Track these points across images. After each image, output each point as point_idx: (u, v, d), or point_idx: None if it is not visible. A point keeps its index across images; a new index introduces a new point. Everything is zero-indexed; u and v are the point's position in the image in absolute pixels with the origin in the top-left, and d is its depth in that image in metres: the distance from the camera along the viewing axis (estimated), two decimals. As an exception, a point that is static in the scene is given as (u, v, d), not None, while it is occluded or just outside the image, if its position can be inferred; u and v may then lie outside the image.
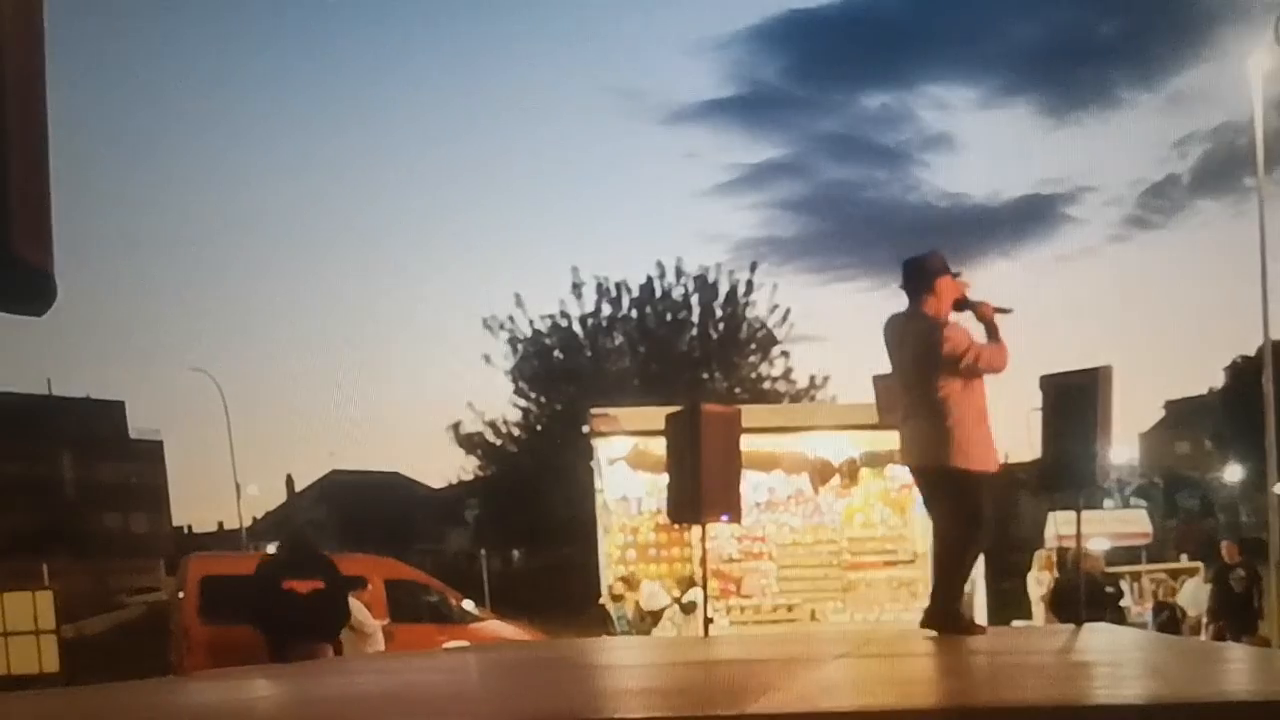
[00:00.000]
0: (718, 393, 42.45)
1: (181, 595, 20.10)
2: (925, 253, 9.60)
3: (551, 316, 48.21)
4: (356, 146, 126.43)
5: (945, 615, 9.31)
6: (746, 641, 11.65)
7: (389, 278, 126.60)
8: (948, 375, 9.15)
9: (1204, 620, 21.40)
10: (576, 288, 47.84)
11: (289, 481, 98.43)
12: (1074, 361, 9.94)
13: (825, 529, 19.34)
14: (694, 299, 48.06)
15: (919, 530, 18.62)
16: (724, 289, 47.88)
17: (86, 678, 16.77)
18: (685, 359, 47.07)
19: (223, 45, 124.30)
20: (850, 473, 18.98)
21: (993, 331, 9.39)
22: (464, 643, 18.81)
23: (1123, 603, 21.56)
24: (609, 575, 18.63)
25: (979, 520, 9.41)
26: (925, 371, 9.25)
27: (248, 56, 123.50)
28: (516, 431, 49.92)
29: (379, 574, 20.67)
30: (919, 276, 9.44)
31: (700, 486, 11.44)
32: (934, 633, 9.11)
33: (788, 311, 47.81)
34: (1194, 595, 22.92)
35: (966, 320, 9.51)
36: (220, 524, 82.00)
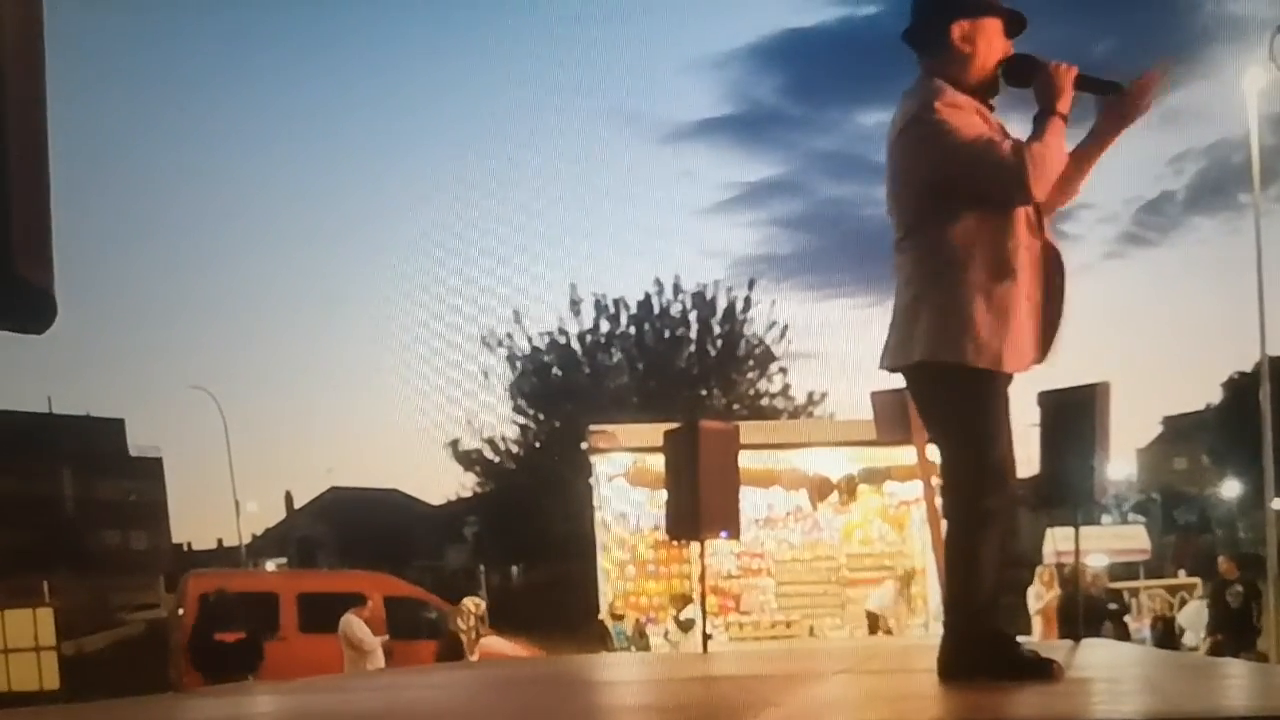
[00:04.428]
0: (716, 409, 42.46)
1: (181, 612, 20.14)
2: None
3: (550, 334, 48.27)
4: (355, 166, 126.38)
5: (964, 646, 5.46)
6: (745, 657, 11.64)
7: (387, 295, 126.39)
8: (938, 197, 5.30)
9: (1202, 636, 21.40)
10: (575, 305, 47.88)
11: (288, 498, 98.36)
12: (1071, 378, 9.76)
13: (824, 545, 19.42)
14: (692, 316, 48.07)
15: (917, 547, 18.67)
16: (722, 306, 47.91)
17: (87, 694, 16.79)
18: (683, 376, 47.05)
19: (224, 67, 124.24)
20: (849, 489, 19.04)
21: (1043, 126, 5.25)
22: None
23: (1124, 617, 21.59)
24: (608, 592, 18.67)
25: (971, 451, 5.39)
26: (902, 187, 5.46)
27: (249, 78, 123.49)
28: (515, 449, 49.92)
29: (379, 591, 20.72)
30: (926, 15, 5.53)
31: (699, 503, 11.43)
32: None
33: (786, 328, 47.85)
34: (1195, 616, 22.89)
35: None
36: (220, 541, 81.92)
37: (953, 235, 5.28)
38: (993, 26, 5.42)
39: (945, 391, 5.38)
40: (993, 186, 5.24)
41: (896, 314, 5.49)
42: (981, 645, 5.40)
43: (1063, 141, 5.28)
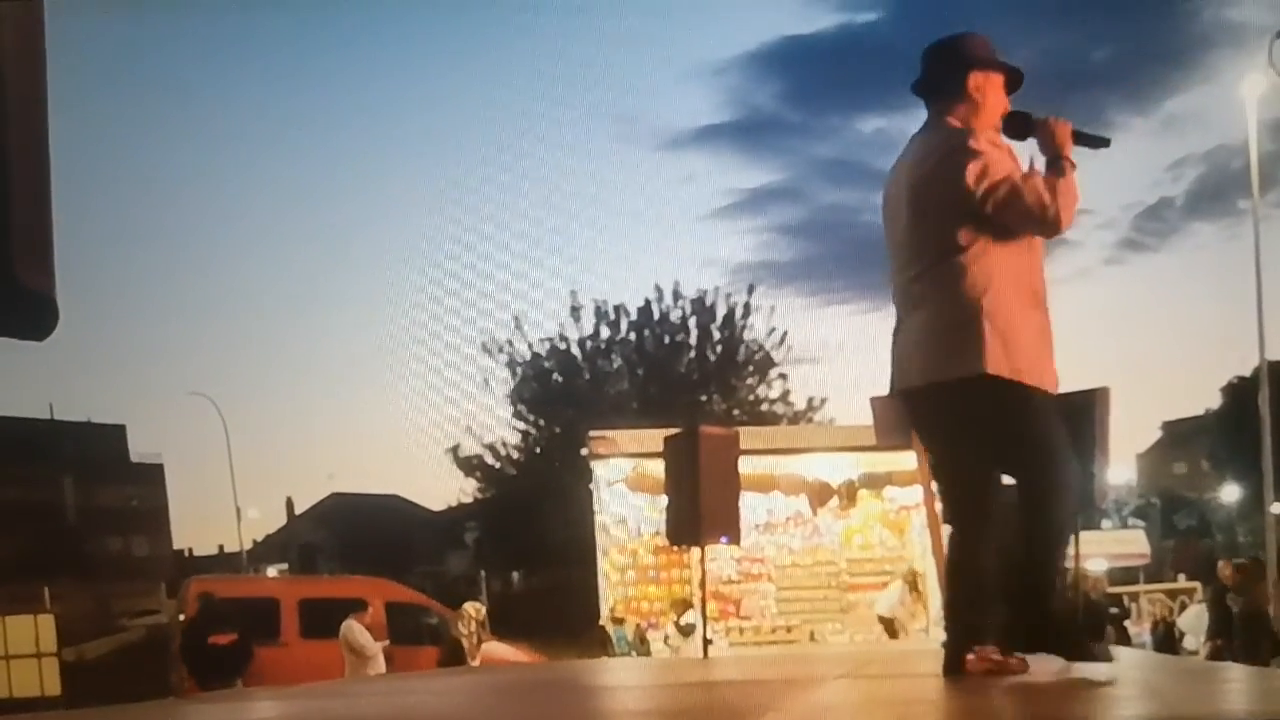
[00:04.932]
0: (716, 415, 42.52)
1: (183, 618, 20.15)
2: (957, 33, 6.07)
3: (550, 339, 48.26)
4: (355, 171, 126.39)
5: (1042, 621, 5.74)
6: (746, 662, 11.64)
7: (387, 301, 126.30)
8: (976, 226, 5.64)
9: (1202, 640, 21.37)
10: (575, 311, 47.87)
11: (289, 504, 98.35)
12: (1071, 383, 9.73)
13: (824, 550, 19.40)
14: (692, 322, 48.08)
15: (918, 551, 18.65)
16: (722, 312, 47.91)
17: (88, 700, 16.83)
18: (683, 381, 47.03)
19: (224, 71, 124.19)
20: (848, 494, 19.03)
21: (1059, 168, 5.69)
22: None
23: (1124, 622, 21.56)
24: (609, 597, 18.67)
25: (1053, 454, 5.72)
26: (937, 215, 5.72)
27: (248, 82, 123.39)
28: (515, 454, 49.89)
29: (379, 596, 20.75)
30: (944, 67, 5.99)
31: (699, 509, 11.44)
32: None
33: (785, 334, 47.84)
34: (1195, 621, 22.84)
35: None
36: (221, 547, 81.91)
37: (998, 260, 5.66)
38: (998, 81, 5.93)
39: (1004, 405, 5.65)
40: (1032, 217, 5.64)
41: (931, 331, 5.78)
42: (1058, 621, 5.80)
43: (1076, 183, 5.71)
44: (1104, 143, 5.96)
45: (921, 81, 6.06)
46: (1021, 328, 5.66)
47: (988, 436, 5.76)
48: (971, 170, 5.59)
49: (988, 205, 5.58)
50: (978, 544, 5.86)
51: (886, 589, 19.18)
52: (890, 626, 18.85)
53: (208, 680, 17.51)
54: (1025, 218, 5.63)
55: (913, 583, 19.01)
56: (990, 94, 5.89)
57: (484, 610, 18.88)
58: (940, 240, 5.69)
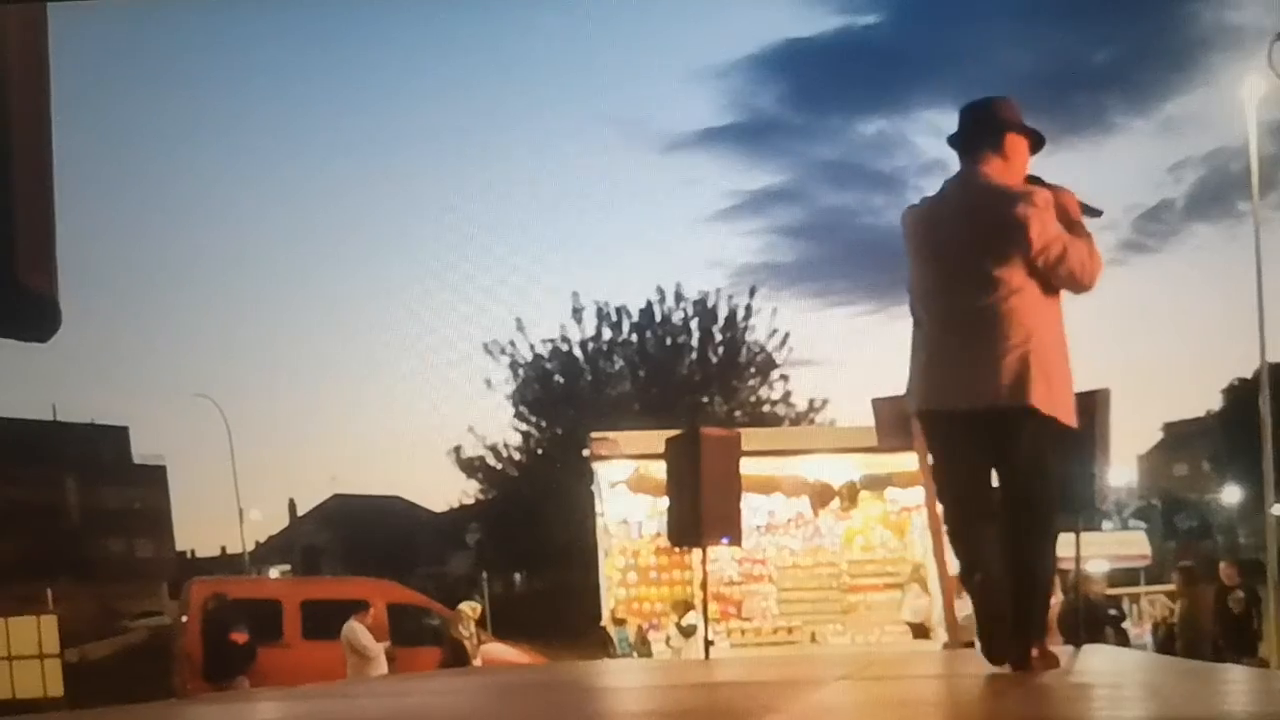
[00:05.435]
0: (717, 416, 42.60)
1: (185, 619, 20.18)
2: (994, 96, 6.66)
3: (552, 341, 48.41)
4: (358, 173, 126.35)
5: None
6: (747, 663, 11.63)
7: (390, 303, 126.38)
8: (1028, 273, 6.17)
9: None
10: (577, 312, 48.01)
11: (291, 506, 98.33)
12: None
13: (825, 551, 19.36)
14: (694, 323, 48.22)
15: (918, 552, 18.63)
16: (723, 313, 48.06)
17: (90, 702, 16.79)
18: (685, 383, 47.10)
19: (225, 74, 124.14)
20: (850, 495, 19.00)
21: (1079, 232, 6.34)
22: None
23: (1123, 624, 21.52)
24: (610, 598, 18.65)
25: (1051, 495, 6.40)
26: (994, 258, 6.15)
27: (250, 86, 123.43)
28: (517, 455, 49.96)
29: (381, 597, 20.77)
30: (984, 125, 6.49)
31: (700, 510, 11.44)
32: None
33: (786, 335, 48.02)
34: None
35: None
36: (223, 549, 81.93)
37: (1044, 305, 6.24)
38: (1025, 144, 6.50)
39: (1042, 436, 6.23)
40: (1073, 277, 6.25)
41: (979, 361, 6.21)
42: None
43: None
44: (1097, 213, 6.59)
45: (960, 136, 6.54)
46: (1059, 367, 6.24)
47: (1014, 462, 6.26)
48: (1034, 226, 6.09)
49: (1040, 260, 6.13)
50: (991, 551, 6.27)
51: (904, 593, 19.10)
52: (919, 629, 18.78)
53: (218, 677, 17.87)
54: (1068, 276, 6.22)
55: (923, 582, 18.97)
56: (1021, 154, 6.46)
57: (480, 609, 18.90)
58: (996, 280, 6.15)
